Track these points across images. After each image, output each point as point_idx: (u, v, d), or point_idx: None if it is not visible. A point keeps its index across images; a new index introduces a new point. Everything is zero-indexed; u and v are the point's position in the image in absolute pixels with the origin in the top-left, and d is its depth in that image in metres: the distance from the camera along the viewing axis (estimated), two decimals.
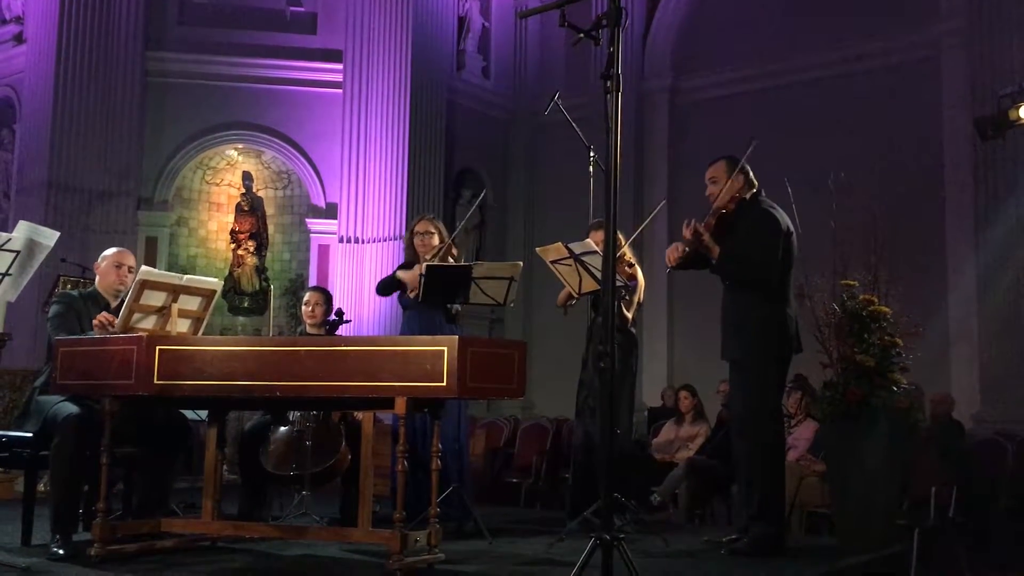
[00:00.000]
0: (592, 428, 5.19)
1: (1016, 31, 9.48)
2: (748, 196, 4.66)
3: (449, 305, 5.14)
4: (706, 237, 4.52)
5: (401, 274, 5.29)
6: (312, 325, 5.57)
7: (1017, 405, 8.99)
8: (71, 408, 4.24)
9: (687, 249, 4.55)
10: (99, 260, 4.77)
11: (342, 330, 5.57)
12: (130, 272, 4.66)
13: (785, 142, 11.01)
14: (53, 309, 4.59)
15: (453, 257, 5.39)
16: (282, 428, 5.16)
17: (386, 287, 5.39)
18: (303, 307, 5.65)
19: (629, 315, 5.23)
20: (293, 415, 5.13)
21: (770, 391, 4.59)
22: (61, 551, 4.06)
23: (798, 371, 5.95)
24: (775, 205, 4.67)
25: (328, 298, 5.65)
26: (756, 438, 4.48)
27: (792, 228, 4.64)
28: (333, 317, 5.51)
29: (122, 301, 4.32)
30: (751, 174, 4.68)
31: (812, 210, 5.37)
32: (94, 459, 4.05)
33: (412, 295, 5.20)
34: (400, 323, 5.57)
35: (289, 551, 4.38)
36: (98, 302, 4.60)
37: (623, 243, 5.13)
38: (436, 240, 5.34)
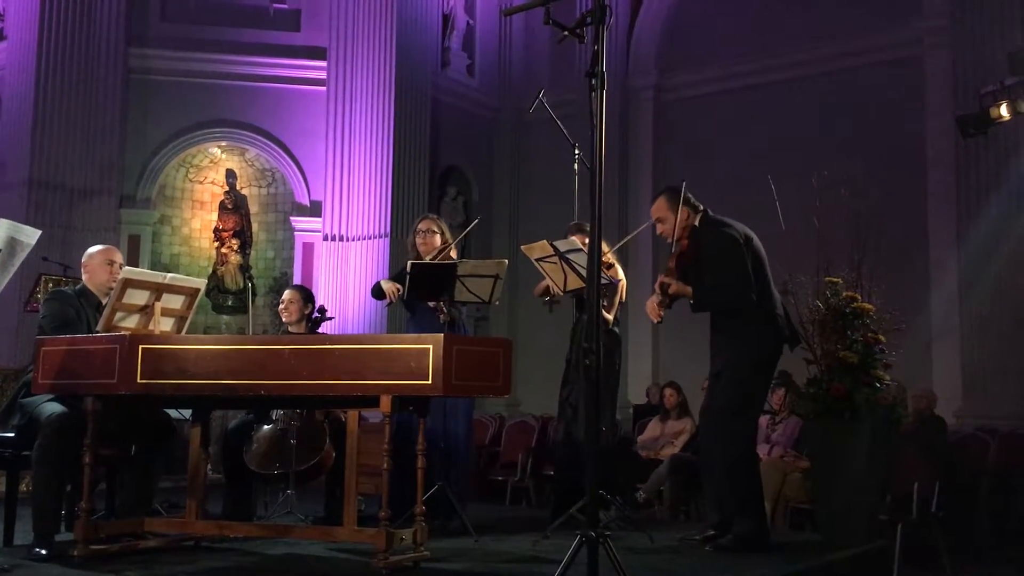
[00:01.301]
0: (573, 426, 5.20)
1: (998, 29, 9.54)
2: (697, 222, 4.65)
3: (432, 303, 5.12)
4: (674, 287, 4.50)
5: (385, 284, 5.33)
6: (289, 323, 5.55)
7: (999, 401, 9.06)
8: (54, 408, 4.21)
9: (663, 302, 4.53)
10: (85, 259, 4.71)
11: (326, 327, 5.57)
12: (120, 268, 4.63)
13: (769, 140, 11.08)
14: (51, 306, 4.52)
15: (450, 259, 5.38)
16: (265, 427, 5.14)
17: (377, 292, 5.44)
18: (279, 306, 5.65)
19: (609, 316, 5.23)
20: (276, 413, 5.11)
21: (756, 393, 4.59)
22: (43, 551, 4.03)
23: (782, 368, 5.98)
24: (724, 219, 4.65)
25: (306, 296, 5.63)
26: (736, 437, 4.48)
27: (750, 233, 4.62)
28: (316, 314, 5.50)
29: None
30: (693, 199, 4.66)
31: (796, 207, 5.40)
32: (77, 459, 4.03)
33: (388, 304, 5.30)
34: (385, 322, 5.59)
35: (274, 550, 4.37)
36: (90, 300, 4.57)
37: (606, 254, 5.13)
38: (438, 240, 5.37)
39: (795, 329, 4.73)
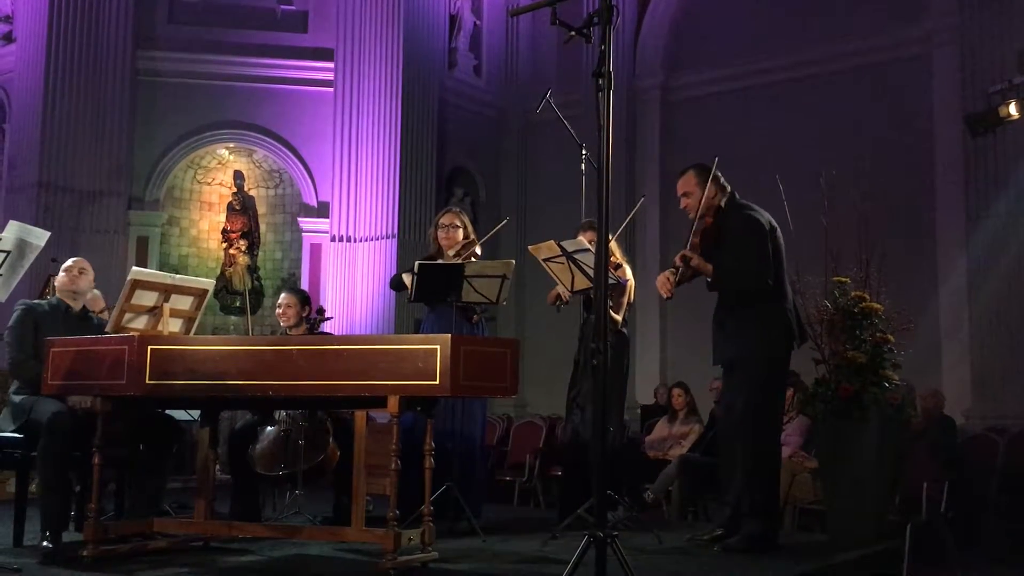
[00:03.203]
0: (580, 426, 5.20)
1: (1006, 27, 9.51)
2: (723, 203, 4.62)
3: (450, 299, 5.09)
4: (695, 260, 4.47)
5: (406, 277, 5.27)
6: (287, 327, 5.53)
7: (1008, 401, 9.03)
8: (55, 407, 4.22)
9: (677, 276, 4.47)
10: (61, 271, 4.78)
11: (329, 327, 5.54)
12: (81, 273, 4.70)
13: (776, 139, 11.06)
14: (12, 319, 4.57)
15: (475, 256, 5.36)
16: (269, 428, 5.14)
17: (397, 284, 5.40)
18: (277, 310, 5.63)
19: (618, 317, 5.21)
20: (279, 414, 5.11)
21: (774, 390, 4.57)
22: (51, 547, 4.05)
23: (790, 367, 5.97)
24: (752, 204, 4.63)
25: (302, 299, 5.58)
26: (757, 437, 4.46)
27: (774, 223, 4.61)
28: (314, 315, 5.48)
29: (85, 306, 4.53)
30: (722, 179, 4.64)
31: (804, 207, 5.38)
32: (82, 459, 4.04)
33: (410, 298, 5.23)
34: (392, 322, 5.57)
35: (282, 551, 4.38)
36: (60, 307, 4.64)
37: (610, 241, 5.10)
38: (461, 235, 5.34)
39: (803, 326, 4.72)
